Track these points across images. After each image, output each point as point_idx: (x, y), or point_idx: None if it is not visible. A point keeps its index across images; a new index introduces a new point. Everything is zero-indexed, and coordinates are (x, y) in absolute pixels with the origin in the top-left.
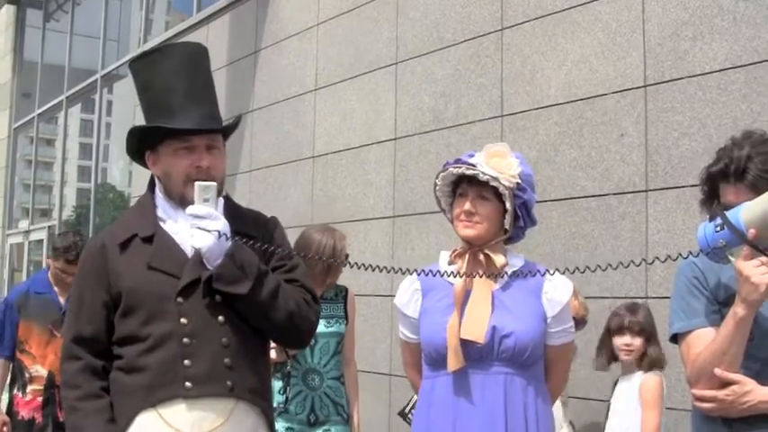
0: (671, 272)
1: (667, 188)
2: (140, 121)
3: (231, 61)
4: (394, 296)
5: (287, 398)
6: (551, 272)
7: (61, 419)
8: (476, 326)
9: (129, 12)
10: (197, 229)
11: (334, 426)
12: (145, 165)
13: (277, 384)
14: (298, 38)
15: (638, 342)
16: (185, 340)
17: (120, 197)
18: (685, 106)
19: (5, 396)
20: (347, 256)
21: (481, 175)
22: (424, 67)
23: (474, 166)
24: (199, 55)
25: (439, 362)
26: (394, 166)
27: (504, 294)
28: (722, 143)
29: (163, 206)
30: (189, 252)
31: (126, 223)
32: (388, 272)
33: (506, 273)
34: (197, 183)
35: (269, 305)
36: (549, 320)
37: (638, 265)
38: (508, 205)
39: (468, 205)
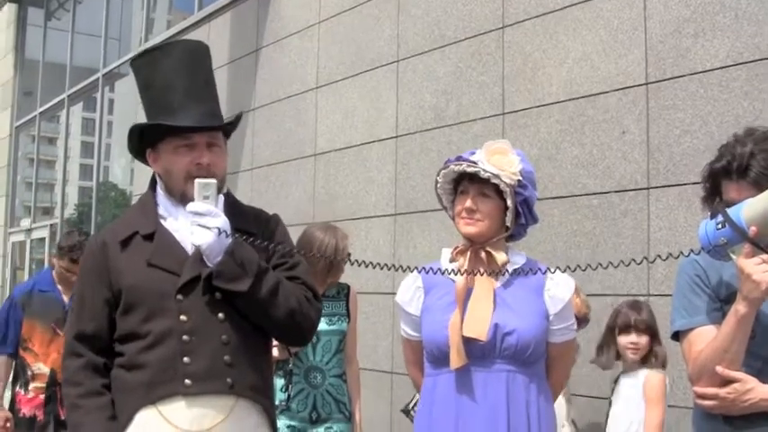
0: (673, 269)
1: (669, 185)
2: (142, 119)
3: (232, 59)
4: (395, 294)
5: (289, 395)
6: (552, 270)
7: (63, 417)
8: (478, 323)
9: (130, 10)
10: (197, 227)
11: (336, 423)
12: (146, 162)
13: (279, 382)
14: (299, 36)
15: (644, 340)
16: (185, 337)
17: (121, 195)
18: (687, 103)
19: (8, 393)
20: (349, 254)
21: (482, 173)
22: (426, 64)
23: (475, 163)
24: (200, 53)
25: (441, 359)
26: (395, 164)
27: (506, 292)
28: (724, 140)
29: (164, 204)
30: (189, 249)
31: (127, 221)
32: (390, 269)
33: (508, 270)
34: (197, 180)
35: (269, 302)
36: (551, 318)
37: (639, 264)
38: (509, 202)
39: (469, 202)
